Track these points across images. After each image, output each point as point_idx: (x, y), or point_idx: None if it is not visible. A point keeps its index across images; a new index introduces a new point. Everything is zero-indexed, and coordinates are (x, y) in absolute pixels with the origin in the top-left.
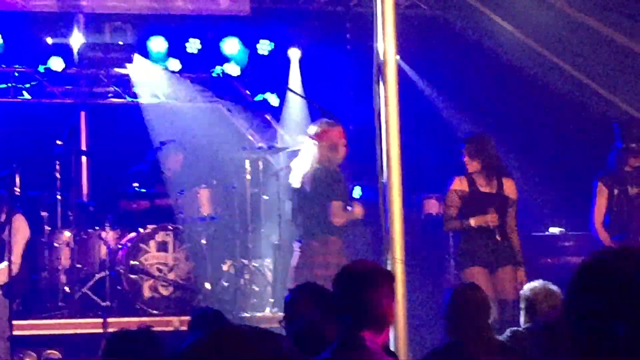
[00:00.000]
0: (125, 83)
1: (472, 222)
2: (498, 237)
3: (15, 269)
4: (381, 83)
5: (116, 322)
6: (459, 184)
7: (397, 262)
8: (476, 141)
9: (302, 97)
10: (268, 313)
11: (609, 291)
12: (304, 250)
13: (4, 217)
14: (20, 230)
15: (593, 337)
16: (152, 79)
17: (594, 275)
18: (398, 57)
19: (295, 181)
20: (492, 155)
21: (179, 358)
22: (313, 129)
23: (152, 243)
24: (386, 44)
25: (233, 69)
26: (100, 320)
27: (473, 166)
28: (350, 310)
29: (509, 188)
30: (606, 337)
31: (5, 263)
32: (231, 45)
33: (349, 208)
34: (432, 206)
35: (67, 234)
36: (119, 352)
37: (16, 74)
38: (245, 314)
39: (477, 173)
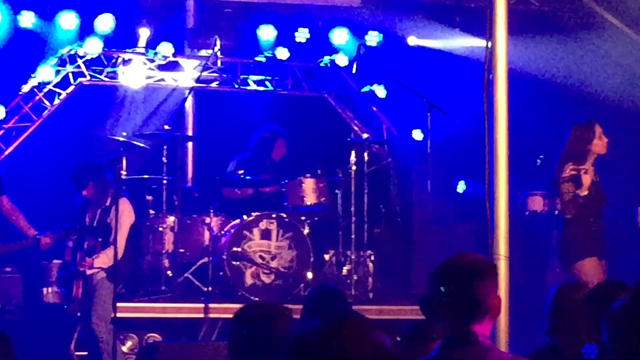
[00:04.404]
0: (233, 70)
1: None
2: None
3: (119, 252)
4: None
5: (217, 308)
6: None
7: (501, 259)
8: None
9: (408, 89)
10: (368, 304)
11: None
12: None
13: (109, 200)
14: (125, 214)
15: None
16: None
17: None
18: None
19: None
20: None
21: (300, 342)
22: None
23: (255, 230)
24: (497, 40)
25: (341, 60)
26: (202, 305)
27: None
28: (459, 305)
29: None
30: None
31: (111, 247)
32: (340, 36)
33: None
34: (537, 203)
35: (171, 218)
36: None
37: (125, 58)
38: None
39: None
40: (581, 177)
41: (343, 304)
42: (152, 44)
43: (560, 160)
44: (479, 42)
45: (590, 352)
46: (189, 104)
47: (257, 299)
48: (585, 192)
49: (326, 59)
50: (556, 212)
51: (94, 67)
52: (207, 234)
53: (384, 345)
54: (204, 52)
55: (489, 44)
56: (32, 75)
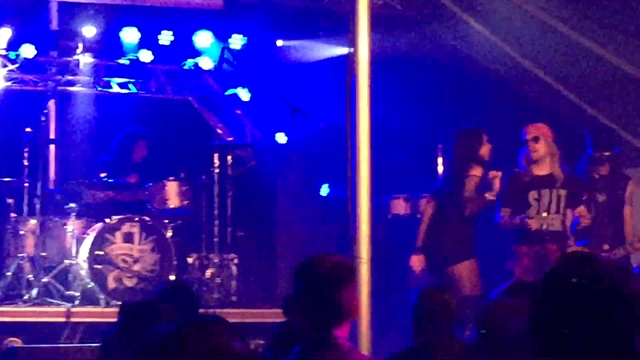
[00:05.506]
0: (96, 72)
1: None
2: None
3: None
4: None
5: (79, 312)
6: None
7: (362, 263)
8: None
9: (272, 92)
10: (231, 308)
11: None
12: None
13: None
14: None
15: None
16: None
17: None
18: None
19: None
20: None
21: (149, 345)
22: None
23: (118, 234)
24: (359, 45)
25: (205, 63)
26: (64, 309)
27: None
28: (319, 309)
29: None
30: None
31: None
32: (204, 39)
33: None
34: (399, 207)
35: (32, 221)
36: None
37: None
38: (209, 310)
39: None
40: (492, 181)
41: (190, 299)
42: (14, 46)
43: (456, 162)
44: (343, 45)
45: (472, 339)
46: (51, 106)
47: (119, 302)
48: (493, 198)
49: (190, 62)
50: (418, 215)
51: None
52: (69, 238)
53: (234, 350)
54: (67, 54)
55: (352, 49)
56: None
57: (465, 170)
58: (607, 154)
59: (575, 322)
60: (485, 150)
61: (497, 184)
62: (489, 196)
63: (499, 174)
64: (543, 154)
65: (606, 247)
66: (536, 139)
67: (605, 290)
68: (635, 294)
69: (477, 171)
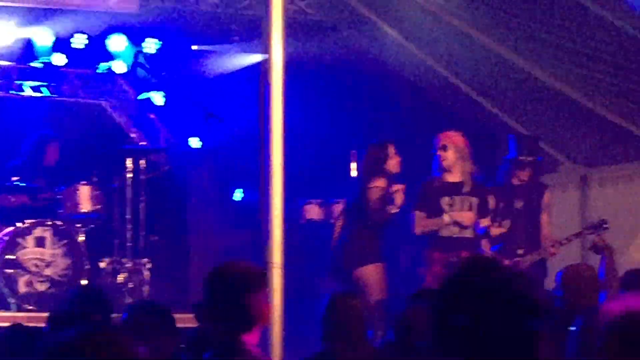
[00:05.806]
0: (9, 76)
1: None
2: None
3: None
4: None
5: None
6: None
7: (275, 268)
8: None
9: (186, 96)
10: None
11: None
12: None
13: None
14: None
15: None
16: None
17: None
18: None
19: None
20: None
21: (52, 352)
22: None
23: (29, 238)
24: (273, 50)
25: (119, 67)
26: None
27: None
28: (228, 315)
29: None
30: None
31: None
32: (118, 42)
33: None
34: (313, 212)
35: None
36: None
37: None
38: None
39: None
40: (393, 195)
41: (102, 303)
42: None
43: (363, 174)
44: (258, 51)
45: (384, 342)
46: None
47: (30, 307)
48: (396, 210)
49: (104, 65)
50: (332, 220)
51: None
52: None
53: (136, 355)
54: None
55: (266, 55)
56: None
57: (369, 182)
58: (530, 159)
59: (473, 328)
60: (392, 163)
61: (398, 198)
62: (391, 209)
63: (401, 187)
64: (452, 161)
65: (521, 251)
66: (444, 147)
67: (503, 296)
68: (535, 300)
69: (380, 183)
